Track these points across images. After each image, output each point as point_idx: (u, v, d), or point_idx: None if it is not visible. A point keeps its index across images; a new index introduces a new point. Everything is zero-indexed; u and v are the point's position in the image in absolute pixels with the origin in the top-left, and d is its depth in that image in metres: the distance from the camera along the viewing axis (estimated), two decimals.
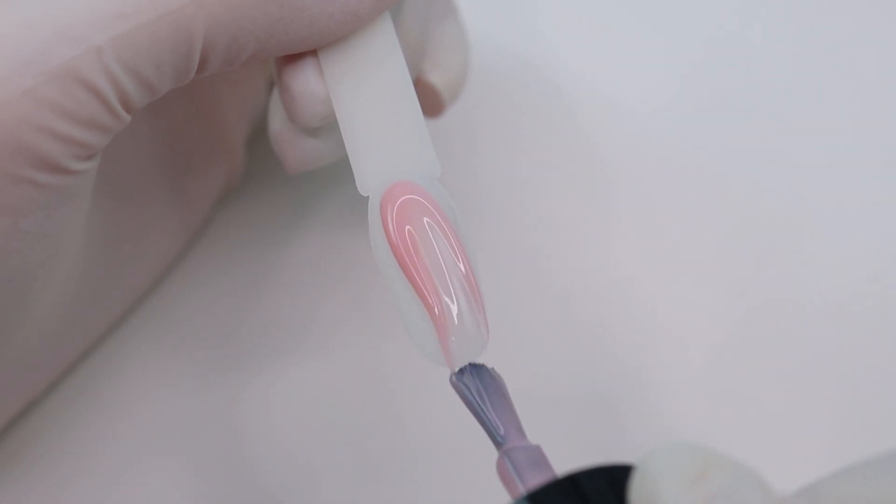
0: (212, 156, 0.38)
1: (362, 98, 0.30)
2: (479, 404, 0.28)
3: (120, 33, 0.27)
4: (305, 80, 0.30)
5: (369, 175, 0.30)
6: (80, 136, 0.27)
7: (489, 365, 0.29)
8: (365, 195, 0.30)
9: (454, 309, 0.29)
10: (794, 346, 0.37)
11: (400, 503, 0.35)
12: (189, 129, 0.37)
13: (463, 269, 0.29)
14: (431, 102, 0.36)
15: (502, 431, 0.28)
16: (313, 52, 0.30)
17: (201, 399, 0.36)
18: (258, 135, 0.40)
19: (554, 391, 0.36)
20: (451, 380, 0.29)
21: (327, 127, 0.32)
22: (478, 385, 0.28)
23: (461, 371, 0.29)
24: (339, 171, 0.38)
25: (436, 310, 0.28)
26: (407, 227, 0.29)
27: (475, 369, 0.29)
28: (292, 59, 0.30)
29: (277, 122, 0.33)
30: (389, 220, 0.29)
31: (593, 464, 0.24)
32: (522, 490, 0.26)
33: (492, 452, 0.35)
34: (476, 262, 0.30)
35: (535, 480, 0.26)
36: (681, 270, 0.39)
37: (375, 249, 0.29)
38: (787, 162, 0.42)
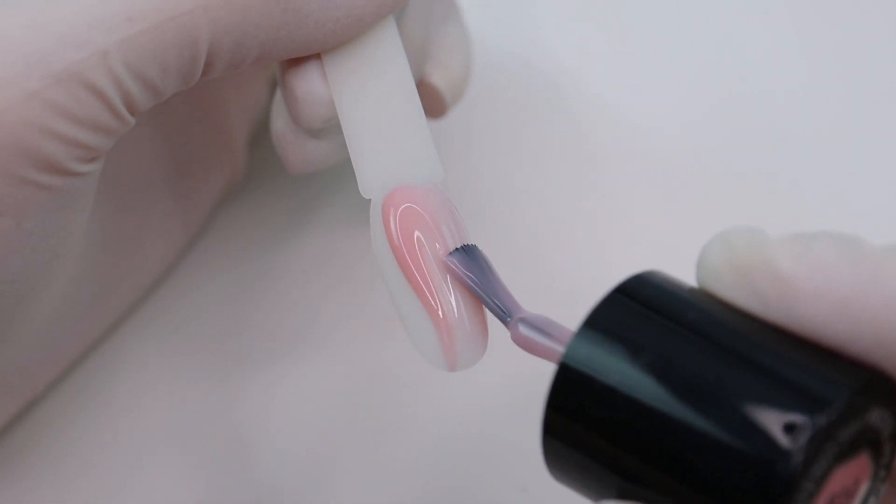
0: (214, 156, 0.38)
1: (365, 101, 0.30)
2: (476, 282, 0.28)
3: (125, 37, 0.27)
4: (309, 83, 0.30)
5: (372, 178, 0.30)
6: (84, 138, 0.27)
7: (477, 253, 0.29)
8: (367, 198, 0.30)
9: (455, 311, 0.29)
10: None
11: (400, 502, 0.35)
12: (191, 130, 0.37)
13: (462, 276, 0.29)
14: (434, 104, 0.36)
15: (506, 304, 0.28)
16: (317, 55, 0.30)
17: (201, 399, 0.36)
18: (260, 136, 0.40)
19: None
20: (446, 261, 0.29)
21: (330, 129, 0.32)
22: (470, 263, 0.29)
23: (453, 254, 0.29)
24: (340, 173, 0.38)
25: (439, 312, 0.29)
26: (409, 230, 0.29)
27: (466, 251, 0.29)
28: (296, 61, 0.30)
29: (280, 123, 0.33)
30: (392, 223, 0.29)
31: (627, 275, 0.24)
32: (554, 344, 0.26)
33: (493, 452, 0.35)
34: None
35: (561, 333, 0.26)
36: (681, 272, 0.39)
37: (377, 252, 0.29)
38: (788, 164, 0.42)
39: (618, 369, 0.22)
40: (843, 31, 0.46)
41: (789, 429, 0.21)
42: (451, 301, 0.29)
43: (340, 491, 0.35)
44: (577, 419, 0.23)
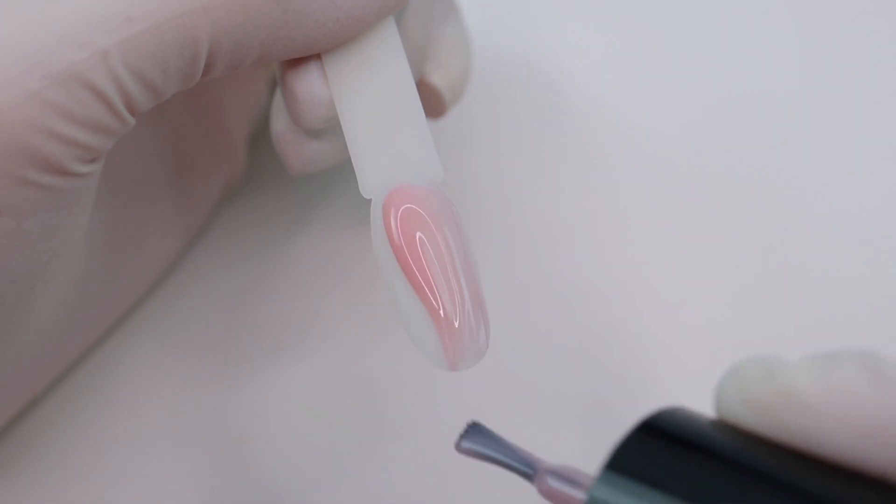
0: (213, 156, 0.38)
1: (366, 101, 0.30)
2: (495, 451, 0.28)
3: (126, 37, 0.27)
4: (309, 83, 0.30)
5: (372, 178, 0.30)
6: (84, 138, 0.27)
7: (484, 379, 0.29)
8: (367, 198, 0.30)
9: (457, 311, 0.29)
10: (794, 347, 0.37)
11: (400, 502, 0.35)
12: (191, 130, 0.37)
13: (465, 272, 0.29)
14: (433, 104, 0.36)
15: (528, 461, 0.27)
16: (317, 55, 0.30)
17: (201, 399, 0.36)
18: (260, 135, 0.40)
19: (554, 392, 0.36)
20: (459, 447, 0.28)
21: (330, 129, 0.32)
22: (482, 438, 0.28)
23: (462, 437, 0.28)
24: (340, 173, 0.38)
25: (440, 312, 0.29)
26: (409, 230, 0.29)
27: (472, 429, 0.28)
28: (296, 62, 0.30)
29: (280, 123, 0.33)
30: (392, 223, 0.29)
31: (652, 411, 0.24)
32: (578, 493, 0.25)
33: None
34: (477, 264, 0.30)
35: (586, 480, 0.25)
36: (681, 272, 0.39)
37: (377, 252, 0.29)
38: (788, 165, 0.42)
39: None
40: (843, 31, 0.46)
41: None
42: (453, 301, 0.29)
43: (340, 490, 0.35)
44: None
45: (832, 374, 0.22)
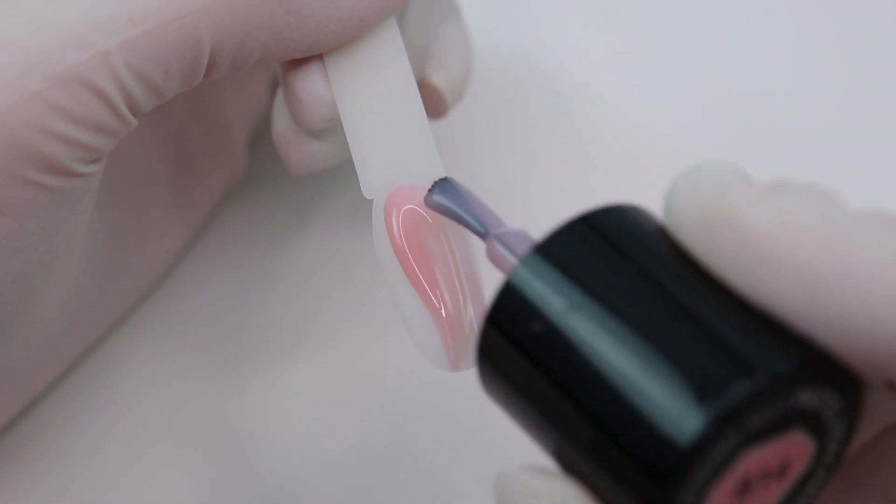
0: (214, 156, 0.38)
1: (367, 102, 0.30)
2: (459, 207, 0.28)
3: (128, 38, 0.27)
4: (311, 84, 0.30)
5: (373, 178, 0.30)
6: (86, 139, 0.27)
7: None
8: (369, 198, 0.30)
9: (458, 311, 0.29)
10: None
11: (400, 502, 0.35)
12: (191, 130, 0.37)
13: (466, 272, 0.29)
14: (434, 104, 0.36)
15: (486, 222, 0.28)
16: (319, 56, 0.30)
17: (202, 398, 0.36)
18: (260, 136, 0.40)
19: None
20: (428, 201, 0.29)
21: (331, 129, 0.32)
22: (449, 195, 0.29)
23: (432, 190, 0.29)
24: (341, 173, 0.38)
25: (441, 312, 0.29)
26: (411, 230, 0.29)
27: (441, 185, 0.29)
28: (298, 62, 0.30)
29: (282, 123, 0.33)
30: (394, 223, 0.29)
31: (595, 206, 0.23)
32: (511, 261, 0.25)
33: (494, 451, 0.35)
34: (478, 263, 0.30)
35: (524, 252, 0.24)
36: None
37: (379, 252, 0.30)
38: (788, 165, 0.42)
39: (550, 300, 0.22)
40: (843, 31, 0.46)
41: (698, 401, 0.20)
42: (454, 301, 0.29)
43: (340, 490, 0.35)
44: (508, 339, 0.22)
45: (784, 205, 0.20)
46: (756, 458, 0.21)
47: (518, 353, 0.22)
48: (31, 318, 0.31)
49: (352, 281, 0.39)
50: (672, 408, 0.20)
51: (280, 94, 0.33)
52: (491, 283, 0.31)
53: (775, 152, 0.42)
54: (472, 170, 0.41)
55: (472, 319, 0.29)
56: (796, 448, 0.21)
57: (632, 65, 0.45)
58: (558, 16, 0.46)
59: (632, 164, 0.42)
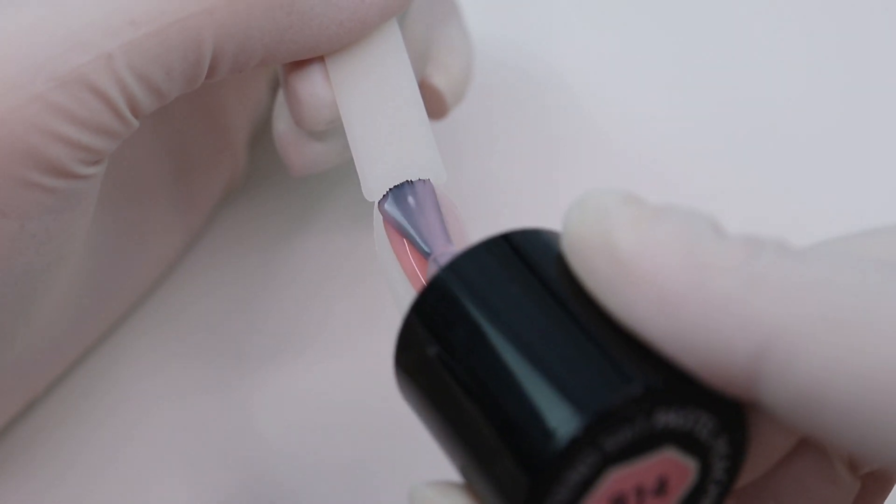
0: (214, 157, 0.38)
1: (368, 103, 0.30)
2: (403, 220, 0.28)
3: (130, 40, 0.27)
4: (312, 85, 0.30)
5: (374, 179, 0.30)
6: (88, 141, 0.27)
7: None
8: (370, 200, 0.30)
9: None
10: None
11: (401, 501, 0.35)
12: (192, 130, 0.37)
13: None
14: (435, 105, 0.36)
15: (431, 240, 0.28)
16: (320, 57, 0.30)
17: (202, 398, 0.36)
18: (261, 136, 0.40)
19: None
20: (380, 207, 0.29)
21: (332, 130, 0.32)
22: (401, 205, 0.29)
23: (383, 199, 0.29)
24: (342, 174, 0.38)
25: None
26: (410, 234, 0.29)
27: (395, 192, 0.29)
28: (299, 64, 0.30)
29: (283, 124, 0.33)
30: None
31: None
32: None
33: None
34: None
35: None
36: None
37: (379, 253, 0.29)
38: (790, 166, 0.42)
39: (451, 317, 0.23)
40: (846, 34, 0.46)
41: (554, 424, 0.20)
42: None
43: (341, 490, 0.35)
44: (413, 350, 0.23)
45: (653, 230, 0.21)
46: (625, 477, 0.21)
47: (420, 365, 0.23)
48: (33, 318, 0.31)
49: (352, 281, 0.39)
50: (529, 429, 0.21)
51: (281, 95, 0.33)
52: None
53: (778, 155, 0.42)
54: (473, 170, 0.41)
55: None
56: (672, 466, 0.22)
57: (633, 65, 0.45)
58: (559, 17, 0.46)
59: (633, 164, 0.42)
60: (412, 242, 0.28)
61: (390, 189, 0.29)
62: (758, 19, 0.46)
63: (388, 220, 0.29)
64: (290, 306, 0.38)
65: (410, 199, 0.29)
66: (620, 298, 0.21)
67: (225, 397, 0.36)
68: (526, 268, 0.23)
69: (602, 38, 0.46)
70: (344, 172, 0.35)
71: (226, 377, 0.37)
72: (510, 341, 0.22)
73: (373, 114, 0.30)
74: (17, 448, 0.35)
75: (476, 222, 0.33)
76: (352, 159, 0.31)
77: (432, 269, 0.27)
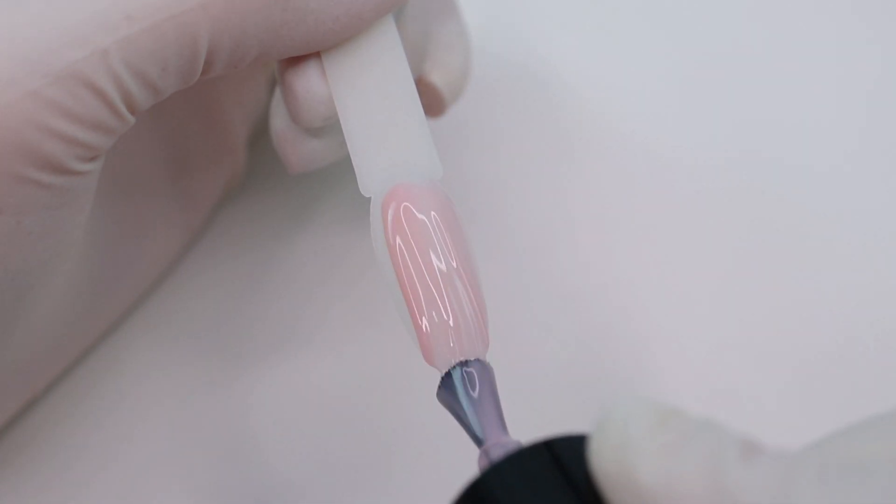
0: (213, 155, 0.38)
1: (365, 99, 0.30)
2: (460, 412, 0.28)
3: (126, 36, 0.27)
4: (308, 81, 0.30)
5: (371, 176, 0.30)
6: (84, 137, 0.27)
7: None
8: (367, 196, 0.30)
9: (442, 325, 0.29)
10: (796, 346, 0.38)
11: (400, 502, 0.35)
12: (190, 129, 0.37)
13: (464, 270, 0.29)
14: (433, 102, 0.36)
15: (482, 431, 0.27)
16: (316, 53, 0.30)
17: (201, 398, 0.36)
18: (260, 134, 0.40)
19: (555, 391, 0.36)
20: (438, 395, 0.29)
21: (329, 127, 0.32)
22: (457, 390, 0.28)
23: (442, 386, 0.28)
24: (340, 171, 0.38)
25: (423, 326, 0.28)
26: (405, 229, 0.29)
27: (456, 374, 0.28)
28: (295, 60, 0.30)
29: (280, 122, 0.33)
30: (389, 222, 0.29)
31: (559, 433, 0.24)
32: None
33: None
34: (476, 262, 0.30)
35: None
36: (682, 271, 0.39)
37: (377, 250, 0.30)
38: (791, 163, 0.42)
39: None
40: (845, 32, 0.46)
41: None
42: (438, 313, 0.29)
43: (341, 490, 0.35)
44: None
45: (674, 466, 0.21)
46: None
47: None
48: (31, 316, 0.31)
49: (351, 279, 0.39)
50: None
51: (278, 92, 0.33)
52: (489, 280, 0.31)
53: (777, 152, 0.42)
54: (470, 168, 0.41)
55: (467, 325, 0.29)
56: None
57: (632, 63, 0.45)
58: (557, 14, 0.46)
59: (633, 163, 0.42)
60: (464, 426, 0.28)
61: (445, 379, 0.29)
62: (759, 16, 0.46)
63: (443, 402, 0.28)
64: (290, 305, 0.38)
65: (472, 380, 0.28)
66: None
67: (225, 396, 0.36)
68: (564, 481, 0.23)
69: (601, 34, 0.46)
70: (342, 170, 0.35)
71: (225, 376, 0.37)
72: None
73: (369, 110, 0.30)
74: (17, 447, 0.35)
75: (474, 220, 0.33)
76: (349, 155, 0.31)
77: (482, 462, 0.27)
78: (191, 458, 0.35)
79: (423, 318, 0.28)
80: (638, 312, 0.38)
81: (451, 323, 0.28)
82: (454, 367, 0.28)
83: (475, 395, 0.28)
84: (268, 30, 0.28)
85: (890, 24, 0.46)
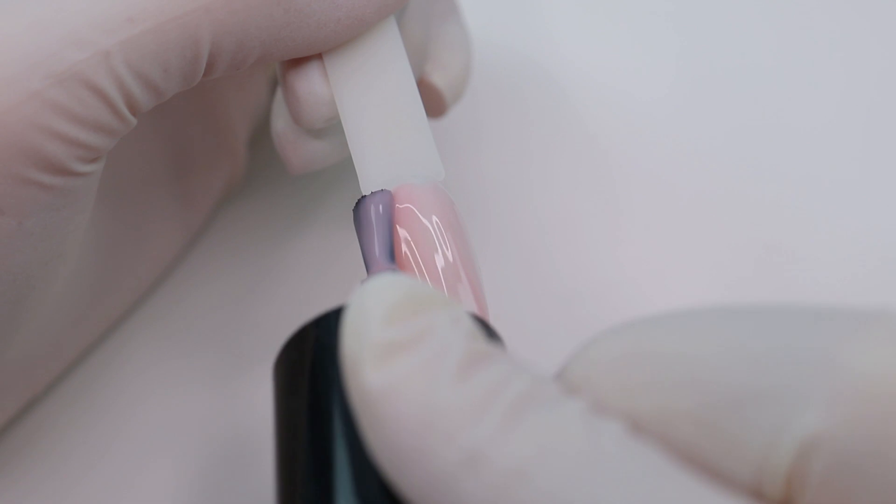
0: (214, 156, 0.38)
1: (366, 100, 0.30)
2: (363, 234, 0.29)
3: (128, 37, 0.27)
4: (310, 83, 0.30)
5: (373, 177, 0.30)
6: (85, 138, 0.27)
7: None
8: None
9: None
10: None
11: None
12: (191, 129, 0.37)
13: (465, 270, 0.29)
14: (434, 103, 0.36)
15: (371, 260, 0.29)
16: (318, 55, 0.30)
17: (202, 398, 0.36)
18: (260, 135, 0.40)
19: None
20: (354, 210, 0.29)
21: (331, 128, 0.32)
22: (366, 219, 0.29)
23: (359, 204, 0.29)
24: (341, 172, 0.38)
25: None
26: (406, 230, 0.29)
27: (362, 203, 0.29)
28: (297, 61, 0.30)
29: (281, 123, 0.33)
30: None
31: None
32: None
33: None
34: (479, 264, 0.30)
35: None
36: (686, 269, 0.39)
37: None
38: (794, 162, 0.42)
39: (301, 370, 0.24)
40: (850, 32, 0.46)
41: None
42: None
43: None
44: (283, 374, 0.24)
45: (395, 367, 0.20)
46: None
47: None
48: (31, 317, 0.31)
49: (353, 279, 0.39)
50: None
51: (279, 93, 0.33)
52: (491, 280, 0.31)
53: (780, 150, 0.42)
54: (472, 168, 0.41)
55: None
56: None
57: (634, 61, 0.45)
58: (558, 15, 0.46)
59: (637, 162, 0.42)
60: (363, 254, 0.29)
61: (361, 199, 0.29)
62: (758, 19, 0.46)
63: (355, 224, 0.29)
64: (289, 305, 0.38)
65: (369, 210, 0.29)
66: (367, 437, 0.20)
67: (224, 396, 0.36)
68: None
69: (602, 34, 0.46)
70: (344, 170, 0.35)
71: (226, 376, 0.37)
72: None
73: (371, 111, 0.30)
74: (17, 447, 0.35)
75: (474, 221, 0.33)
76: (350, 157, 0.31)
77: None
78: (190, 457, 0.35)
79: None
80: (638, 313, 0.38)
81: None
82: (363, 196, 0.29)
83: (369, 219, 0.29)
84: (270, 31, 0.28)
85: (893, 21, 0.46)
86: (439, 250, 0.29)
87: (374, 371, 0.20)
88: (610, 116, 0.43)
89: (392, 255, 0.28)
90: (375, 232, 0.29)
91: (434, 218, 0.29)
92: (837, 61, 0.45)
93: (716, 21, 0.46)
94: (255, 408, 0.36)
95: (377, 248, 0.28)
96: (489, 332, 0.25)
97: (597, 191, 0.41)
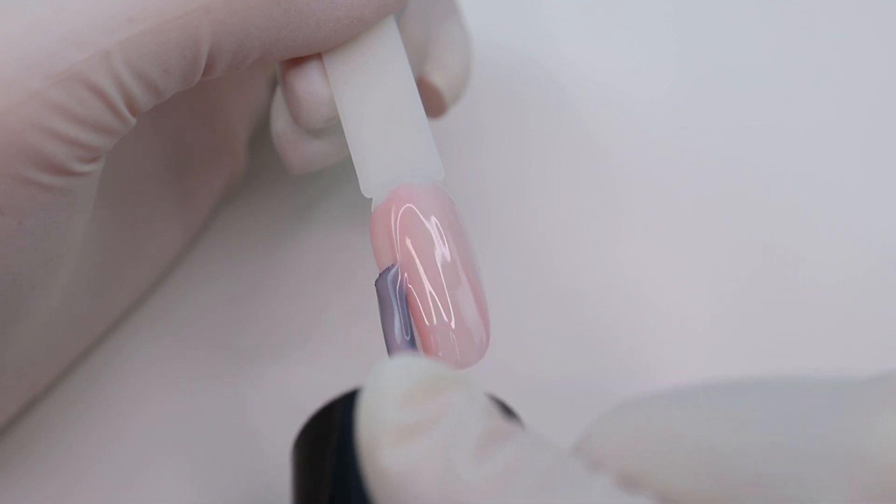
0: (214, 156, 0.38)
1: (366, 100, 0.30)
2: (386, 311, 0.28)
3: (128, 37, 0.27)
4: (310, 83, 0.30)
5: (372, 177, 0.30)
6: (85, 138, 0.27)
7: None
8: (368, 197, 0.30)
9: (442, 327, 0.29)
10: (799, 344, 0.38)
11: None
12: (191, 129, 0.37)
13: (465, 270, 0.29)
14: (434, 103, 0.36)
15: (392, 343, 0.28)
16: (318, 55, 0.30)
17: (202, 399, 0.36)
18: (260, 135, 0.40)
19: (557, 390, 0.36)
20: (376, 282, 0.29)
21: (330, 128, 0.32)
22: (390, 294, 0.29)
23: (382, 276, 0.29)
24: (341, 172, 0.38)
25: (424, 322, 0.29)
26: (406, 231, 0.29)
27: (387, 275, 0.29)
28: (297, 61, 0.30)
29: (281, 123, 0.33)
30: (398, 224, 0.29)
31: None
32: None
33: None
34: (479, 264, 0.30)
35: None
36: (686, 270, 0.39)
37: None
38: (794, 163, 0.42)
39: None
40: (850, 32, 0.46)
41: None
42: (439, 316, 0.29)
43: None
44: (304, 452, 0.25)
45: (411, 455, 0.20)
46: None
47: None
48: (32, 317, 0.31)
49: (352, 279, 0.39)
50: None
51: (279, 93, 0.33)
52: (491, 280, 0.31)
53: (781, 152, 0.42)
54: (471, 168, 0.41)
55: (466, 328, 0.29)
56: None
57: (636, 61, 0.45)
58: (558, 15, 0.46)
59: (637, 162, 0.42)
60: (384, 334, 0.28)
61: (386, 272, 0.29)
62: (758, 19, 0.46)
63: (379, 297, 0.29)
64: (289, 305, 0.38)
65: (387, 287, 0.29)
66: None
67: (225, 395, 0.36)
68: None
69: (602, 34, 0.46)
70: (344, 170, 0.35)
71: (226, 376, 0.37)
72: None
73: (371, 111, 0.30)
74: (16, 448, 0.35)
75: (474, 221, 0.33)
76: (350, 157, 0.31)
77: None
78: (190, 457, 0.35)
79: (426, 318, 0.28)
80: (639, 312, 0.38)
81: (452, 325, 0.28)
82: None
83: (393, 299, 0.29)
84: (269, 31, 0.28)
85: (893, 22, 0.46)
86: (439, 250, 0.29)
87: (391, 453, 0.20)
88: (610, 116, 0.43)
89: (412, 335, 0.28)
90: (395, 312, 0.28)
91: (434, 218, 0.29)
92: (837, 61, 0.45)
93: (716, 21, 0.46)
94: (252, 405, 0.36)
95: (396, 330, 0.28)
96: (506, 410, 0.25)
97: (597, 191, 0.41)
